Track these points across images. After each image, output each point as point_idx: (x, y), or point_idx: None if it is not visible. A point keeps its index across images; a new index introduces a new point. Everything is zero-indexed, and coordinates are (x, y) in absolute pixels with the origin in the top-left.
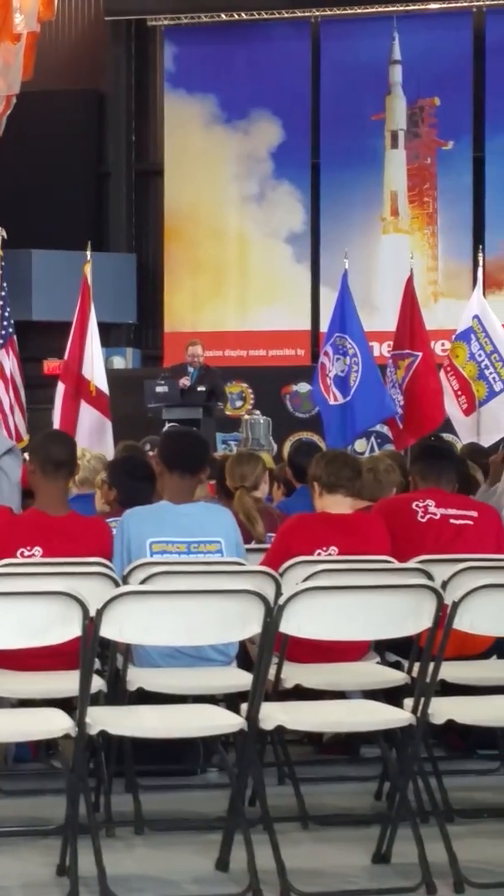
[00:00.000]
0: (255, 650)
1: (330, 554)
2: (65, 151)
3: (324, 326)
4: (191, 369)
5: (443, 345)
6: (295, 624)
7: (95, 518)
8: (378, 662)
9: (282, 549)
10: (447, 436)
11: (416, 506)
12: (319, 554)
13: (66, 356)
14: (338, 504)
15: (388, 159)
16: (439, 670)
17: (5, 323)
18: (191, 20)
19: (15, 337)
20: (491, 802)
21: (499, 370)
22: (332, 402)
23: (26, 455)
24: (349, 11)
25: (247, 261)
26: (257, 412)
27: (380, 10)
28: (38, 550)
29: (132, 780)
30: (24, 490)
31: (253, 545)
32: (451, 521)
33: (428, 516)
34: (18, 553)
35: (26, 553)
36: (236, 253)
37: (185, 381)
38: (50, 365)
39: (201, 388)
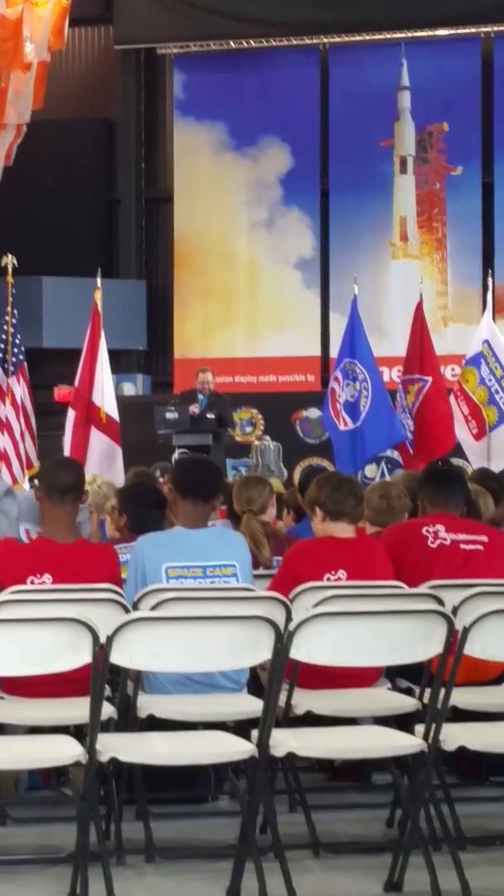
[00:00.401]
0: (265, 676)
1: (339, 578)
2: (75, 179)
3: (334, 352)
4: (200, 396)
5: (453, 370)
6: (305, 650)
7: (104, 544)
8: (389, 688)
9: (289, 574)
10: (457, 460)
11: (426, 531)
12: (328, 578)
13: (76, 383)
14: (341, 531)
15: (397, 185)
16: (450, 696)
17: (16, 350)
18: (200, 48)
19: (25, 364)
20: (503, 830)
21: None
22: (342, 427)
23: (37, 482)
24: (357, 38)
25: (256, 287)
26: (267, 438)
27: (388, 36)
28: (47, 577)
29: (143, 807)
30: None
31: (259, 570)
32: (462, 546)
33: (438, 542)
34: (28, 581)
35: (36, 581)
36: (246, 279)
37: (194, 409)
38: (60, 392)
39: (211, 416)
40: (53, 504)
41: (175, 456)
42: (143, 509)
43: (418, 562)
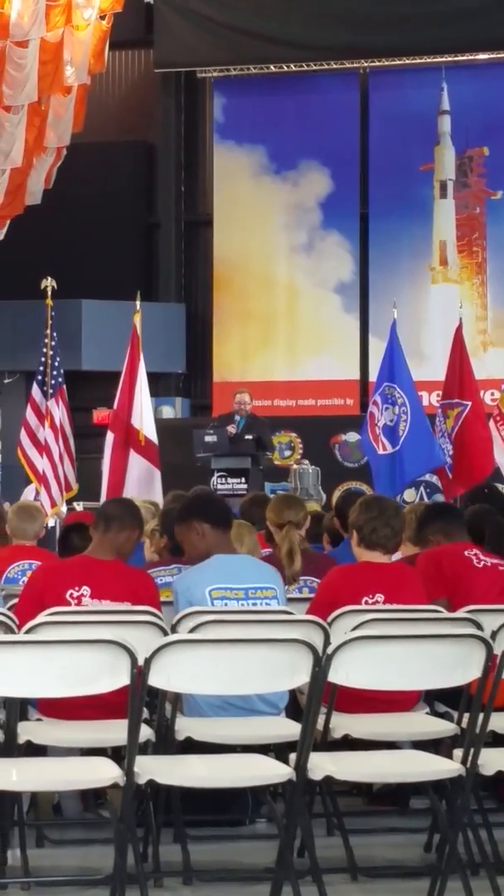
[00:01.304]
0: (304, 700)
1: (376, 601)
2: (115, 202)
3: (373, 376)
4: (237, 417)
5: (492, 394)
6: (343, 673)
7: (138, 569)
8: (427, 713)
9: (327, 598)
10: (497, 485)
11: (468, 554)
12: (366, 601)
13: (115, 405)
14: (375, 558)
15: (437, 209)
16: (489, 721)
17: (55, 372)
18: (240, 72)
19: (65, 386)
20: None
21: None
22: (381, 451)
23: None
24: (398, 62)
25: (296, 311)
26: (306, 462)
27: (428, 60)
28: (86, 590)
29: (180, 829)
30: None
31: (301, 595)
32: (501, 568)
33: (483, 562)
34: (67, 594)
35: (75, 594)
36: (285, 303)
37: (231, 429)
38: (99, 414)
39: (248, 437)
40: (98, 530)
41: (214, 479)
42: None
43: (466, 581)
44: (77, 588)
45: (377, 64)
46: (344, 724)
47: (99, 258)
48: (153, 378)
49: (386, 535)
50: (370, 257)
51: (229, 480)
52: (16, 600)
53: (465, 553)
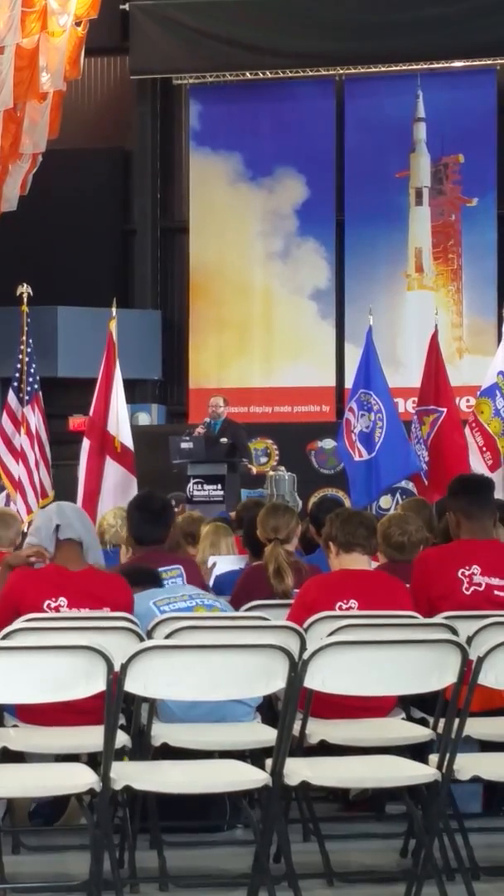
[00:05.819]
0: (280, 705)
1: (350, 607)
2: (90, 209)
3: (349, 383)
4: (210, 420)
5: (468, 401)
6: (319, 679)
7: (113, 574)
8: (403, 718)
9: (303, 606)
10: None
11: (462, 575)
12: (340, 607)
13: (91, 412)
14: (355, 562)
15: (413, 216)
16: (464, 726)
17: (31, 379)
18: (216, 79)
19: (40, 393)
20: None
21: None
22: (356, 458)
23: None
24: (373, 70)
25: (272, 317)
26: (282, 468)
27: (404, 68)
28: (63, 601)
29: (157, 836)
30: None
31: (277, 601)
32: (496, 592)
33: (472, 588)
34: (45, 605)
35: (52, 604)
36: (261, 310)
37: (201, 429)
38: (75, 421)
39: (224, 440)
40: (61, 546)
41: (190, 486)
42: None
43: (447, 605)
44: (54, 599)
45: (353, 71)
46: (320, 729)
47: (75, 265)
48: (129, 385)
49: (363, 533)
50: (346, 264)
51: (205, 487)
52: None
53: (459, 574)
